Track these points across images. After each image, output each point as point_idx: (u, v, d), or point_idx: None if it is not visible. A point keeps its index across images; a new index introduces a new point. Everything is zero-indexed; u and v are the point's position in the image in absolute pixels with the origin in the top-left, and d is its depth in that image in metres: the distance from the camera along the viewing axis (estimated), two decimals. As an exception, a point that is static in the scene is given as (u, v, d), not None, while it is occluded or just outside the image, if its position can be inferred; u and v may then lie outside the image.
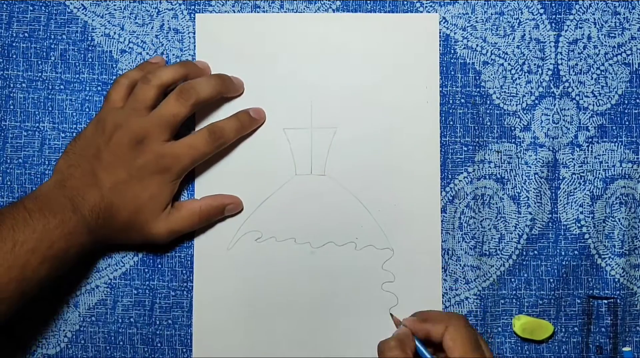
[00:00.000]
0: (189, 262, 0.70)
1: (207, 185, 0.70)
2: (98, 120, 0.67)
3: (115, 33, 0.72)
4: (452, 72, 0.71)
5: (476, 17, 0.71)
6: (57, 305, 0.70)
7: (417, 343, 0.64)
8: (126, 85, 0.68)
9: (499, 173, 0.71)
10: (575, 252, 0.70)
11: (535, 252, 0.70)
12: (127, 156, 0.65)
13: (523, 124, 0.71)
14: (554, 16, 0.71)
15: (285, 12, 0.72)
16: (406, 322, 0.66)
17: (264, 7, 0.72)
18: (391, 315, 0.69)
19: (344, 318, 0.70)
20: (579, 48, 0.71)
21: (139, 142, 0.65)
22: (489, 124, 0.71)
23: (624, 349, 0.69)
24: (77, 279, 0.70)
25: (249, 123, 0.70)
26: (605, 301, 0.70)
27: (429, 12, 0.72)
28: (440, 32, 0.71)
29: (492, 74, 0.71)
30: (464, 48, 0.71)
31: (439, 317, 0.65)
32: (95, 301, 0.70)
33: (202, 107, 0.69)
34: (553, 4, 0.71)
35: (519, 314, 0.70)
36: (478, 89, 0.71)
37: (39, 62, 0.71)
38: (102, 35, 0.72)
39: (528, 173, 0.70)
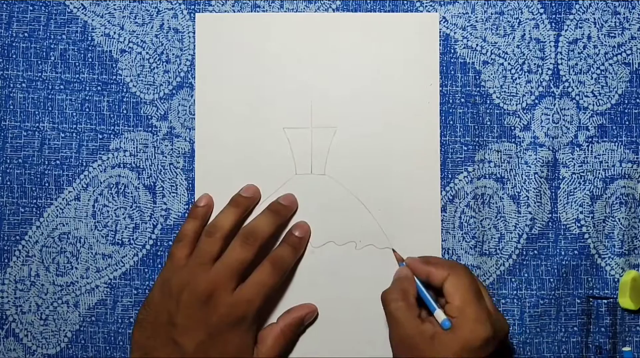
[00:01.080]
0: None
1: (207, 185, 0.70)
2: (163, 282, 0.66)
3: (115, 33, 0.72)
4: (452, 72, 0.71)
5: (476, 17, 0.71)
6: (57, 305, 0.70)
7: (418, 285, 0.64)
8: (189, 241, 0.67)
9: (499, 173, 0.71)
10: (575, 252, 0.70)
11: (535, 251, 0.70)
12: (201, 315, 0.64)
13: (523, 124, 0.71)
14: (554, 16, 0.71)
15: (285, 11, 0.72)
16: (408, 261, 0.66)
17: (264, 7, 0.72)
18: (393, 250, 0.69)
19: (344, 317, 0.70)
20: (579, 48, 0.71)
21: (209, 297, 0.64)
22: (489, 123, 0.71)
23: (624, 349, 0.69)
24: (77, 279, 0.70)
25: (299, 243, 0.70)
26: (605, 301, 0.70)
27: (429, 11, 0.72)
28: (440, 32, 0.71)
29: (492, 74, 0.71)
30: (464, 48, 0.71)
31: (442, 262, 0.65)
32: (95, 301, 0.70)
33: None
34: (553, 4, 0.71)
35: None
36: (478, 89, 0.71)
37: (39, 62, 0.71)
38: (102, 35, 0.72)
39: (528, 173, 0.70)
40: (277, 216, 0.69)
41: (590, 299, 0.70)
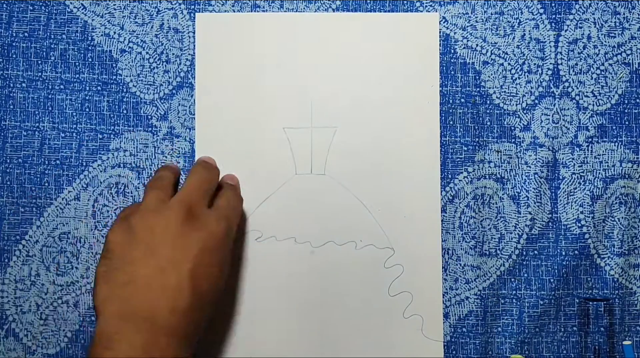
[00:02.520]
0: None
1: (207, 185, 0.70)
2: (117, 229, 0.61)
3: (115, 33, 0.72)
4: (452, 72, 0.71)
5: (476, 17, 0.71)
6: (57, 305, 0.70)
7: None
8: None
9: (499, 173, 0.71)
10: (576, 252, 0.70)
11: (535, 251, 0.70)
12: (183, 233, 0.60)
13: (523, 124, 0.71)
14: (554, 16, 0.71)
15: (285, 11, 0.72)
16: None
17: (264, 7, 0.72)
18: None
19: (344, 317, 0.70)
20: (579, 48, 0.71)
21: (190, 216, 0.61)
22: (489, 123, 0.71)
23: (624, 343, 0.69)
24: (77, 279, 0.70)
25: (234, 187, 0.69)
26: (602, 303, 0.70)
27: (429, 11, 0.72)
28: (440, 32, 0.71)
29: (492, 74, 0.71)
30: (464, 48, 0.71)
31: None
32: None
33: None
34: (553, 4, 0.71)
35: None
36: (478, 89, 0.71)
37: (39, 62, 0.71)
38: (102, 35, 0.72)
39: (528, 173, 0.71)
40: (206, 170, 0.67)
41: (587, 302, 0.70)
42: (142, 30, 0.72)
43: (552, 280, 0.70)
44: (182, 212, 0.60)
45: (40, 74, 0.71)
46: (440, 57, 0.71)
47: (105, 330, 0.56)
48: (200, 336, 0.60)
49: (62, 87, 0.71)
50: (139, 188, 0.71)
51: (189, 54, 0.71)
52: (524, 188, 0.71)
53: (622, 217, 0.70)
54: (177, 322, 0.57)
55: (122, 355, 0.55)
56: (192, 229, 0.60)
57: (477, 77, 0.71)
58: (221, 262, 0.61)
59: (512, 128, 0.71)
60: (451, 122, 0.71)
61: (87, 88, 0.71)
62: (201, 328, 0.60)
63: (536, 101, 0.71)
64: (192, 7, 0.72)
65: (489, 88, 0.71)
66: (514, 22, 0.71)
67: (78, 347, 0.70)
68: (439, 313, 0.70)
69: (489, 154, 0.71)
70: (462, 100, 0.71)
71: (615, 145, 0.71)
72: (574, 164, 0.71)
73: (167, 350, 0.56)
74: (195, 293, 0.58)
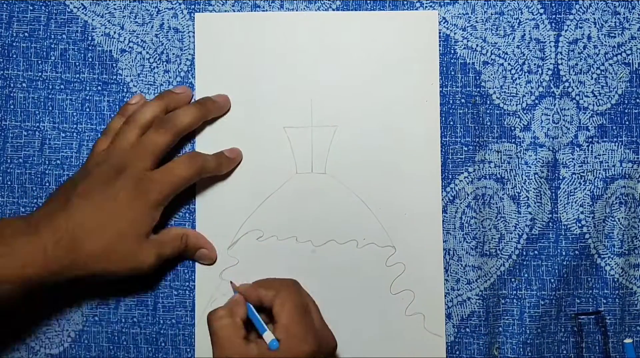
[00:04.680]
0: (190, 262, 0.70)
1: (208, 185, 0.70)
2: (80, 169, 0.68)
3: (115, 32, 0.72)
4: (452, 72, 0.71)
5: (476, 17, 0.71)
6: (60, 305, 0.70)
7: (249, 307, 0.64)
8: (110, 135, 0.68)
9: (499, 173, 0.71)
10: (576, 252, 0.70)
11: (536, 252, 0.71)
12: (106, 183, 0.64)
13: (523, 124, 0.71)
14: (554, 16, 0.71)
15: (285, 11, 0.72)
16: (240, 287, 0.66)
17: (264, 7, 0.72)
18: (231, 282, 0.68)
19: (346, 316, 0.70)
20: (579, 48, 0.71)
21: (120, 171, 0.65)
22: (489, 124, 0.71)
23: (625, 341, 0.69)
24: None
25: (227, 161, 0.70)
26: (593, 317, 0.70)
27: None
28: (440, 32, 0.71)
29: (492, 74, 0.71)
30: (464, 48, 0.71)
31: (272, 283, 0.65)
32: (98, 300, 0.70)
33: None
34: (553, 4, 0.71)
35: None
36: (478, 89, 0.71)
37: (39, 62, 0.71)
38: (102, 34, 0.71)
39: (528, 173, 0.71)
40: (203, 109, 0.69)
41: (578, 317, 0.70)
42: (142, 30, 0.72)
43: (552, 280, 0.70)
44: (117, 169, 0.65)
45: (40, 74, 0.71)
46: (440, 58, 0.71)
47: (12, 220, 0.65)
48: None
49: (62, 87, 0.71)
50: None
51: (189, 54, 0.71)
52: (524, 189, 0.71)
53: (622, 217, 0.71)
54: (50, 235, 0.62)
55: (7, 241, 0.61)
56: (117, 180, 0.65)
57: (477, 78, 0.71)
58: (125, 212, 0.64)
59: (512, 128, 0.71)
60: (451, 123, 0.71)
61: (88, 88, 0.71)
62: (74, 265, 0.63)
63: (536, 101, 0.71)
64: (192, 7, 0.72)
65: (489, 88, 0.71)
66: (514, 22, 0.71)
67: (81, 346, 0.70)
68: (441, 311, 0.70)
69: (489, 154, 0.71)
70: (463, 100, 0.71)
71: (615, 145, 0.71)
72: (574, 164, 0.71)
73: (24, 249, 0.61)
74: (77, 226, 0.62)
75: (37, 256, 0.61)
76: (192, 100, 0.70)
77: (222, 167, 0.69)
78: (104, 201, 0.64)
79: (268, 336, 0.62)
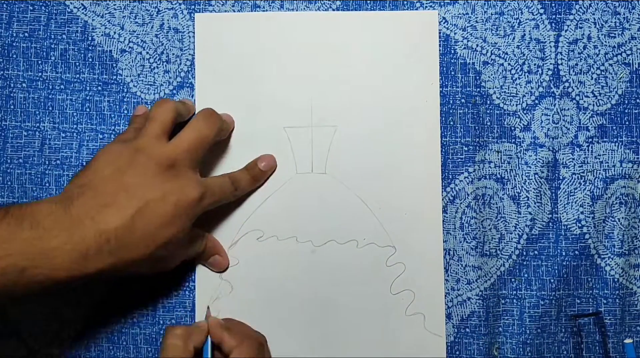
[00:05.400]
0: (190, 262, 0.70)
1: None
2: (108, 148, 0.63)
3: (115, 33, 0.72)
4: (452, 72, 0.71)
5: (476, 17, 0.71)
6: (60, 305, 0.70)
7: (207, 341, 0.64)
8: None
9: (499, 173, 0.71)
10: (576, 252, 0.71)
11: (536, 252, 0.71)
12: (154, 176, 0.61)
13: (523, 124, 0.71)
14: (554, 16, 0.71)
15: (285, 11, 0.72)
16: (210, 320, 0.65)
17: (264, 7, 0.72)
18: (207, 307, 0.69)
19: (346, 316, 0.70)
20: (579, 48, 0.71)
21: (170, 166, 0.62)
22: (489, 124, 0.71)
23: (625, 341, 0.69)
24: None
25: (261, 175, 0.70)
26: (590, 318, 0.70)
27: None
28: (440, 32, 0.71)
29: (492, 74, 0.71)
30: (464, 48, 0.71)
31: (239, 331, 0.65)
32: (98, 300, 0.70)
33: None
34: (553, 4, 0.71)
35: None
36: (478, 89, 0.71)
37: (39, 62, 0.71)
38: (102, 35, 0.71)
39: (528, 173, 0.71)
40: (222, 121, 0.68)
41: (577, 319, 0.70)
42: (142, 30, 0.72)
43: (552, 281, 0.70)
44: (165, 162, 0.61)
45: (40, 74, 0.71)
46: (440, 58, 0.71)
47: (42, 203, 0.58)
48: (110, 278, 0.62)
49: (62, 87, 0.71)
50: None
51: (189, 54, 0.71)
52: (524, 189, 0.71)
53: (623, 217, 0.71)
54: (92, 236, 0.58)
55: (41, 233, 0.56)
56: (165, 180, 0.61)
57: (477, 78, 0.71)
58: (171, 219, 0.61)
59: (512, 128, 0.71)
60: (452, 123, 0.71)
61: (88, 88, 0.71)
62: (113, 267, 0.59)
63: (536, 101, 0.71)
64: (192, 7, 0.72)
65: (489, 88, 0.71)
66: (514, 22, 0.71)
67: (81, 347, 0.70)
68: (441, 311, 0.70)
69: (489, 154, 0.71)
70: (463, 100, 0.71)
71: (615, 146, 0.71)
72: (574, 164, 0.71)
73: (60, 249, 0.57)
74: (126, 227, 0.59)
75: (75, 260, 0.57)
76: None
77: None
78: (150, 198, 0.60)
79: None
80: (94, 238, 0.57)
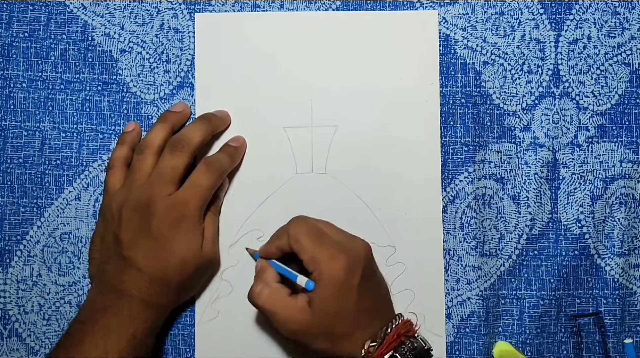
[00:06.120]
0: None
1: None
2: (104, 211, 0.68)
3: (115, 33, 0.72)
4: (453, 72, 0.71)
5: (476, 17, 0.71)
6: (59, 305, 0.70)
7: (274, 264, 0.65)
8: (120, 166, 0.68)
9: (499, 173, 0.71)
10: (576, 252, 0.71)
11: (536, 252, 0.71)
12: (142, 224, 0.65)
13: (523, 124, 0.71)
14: (554, 16, 0.71)
15: (285, 11, 0.72)
16: (259, 251, 0.67)
17: (264, 7, 0.72)
18: (246, 249, 0.70)
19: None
20: (579, 48, 0.71)
21: (147, 206, 0.65)
22: (489, 124, 0.71)
23: (625, 341, 0.69)
24: (79, 279, 0.70)
25: (235, 151, 0.70)
26: (590, 318, 0.70)
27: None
28: (440, 32, 0.71)
29: (492, 74, 0.71)
30: (464, 48, 0.71)
31: (281, 230, 0.66)
32: (98, 301, 0.70)
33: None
34: (553, 4, 0.71)
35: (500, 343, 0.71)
36: (478, 89, 0.71)
37: (39, 62, 0.71)
38: (102, 34, 0.71)
39: (528, 173, 0.71)
40: (208, 124, 0.69)
41: (577, 319, 0.70)
42: (142, 30, 0.72)
43: (552, 280, 0.70)
44: (175, 217, 0.65)
45: (40, 74, 0.71)
46: (440, 58, 0.71)
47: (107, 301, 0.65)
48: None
49: (62, 87, 0.71)
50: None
51: (189, 54, 0.71)
52: (524, 189, 0.71)
53: (622, 217, 0.71)
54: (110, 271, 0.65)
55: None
56: (174, 234, 0.65)
57: (477, 78, 0.71)
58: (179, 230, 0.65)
59: (512, 128, 0.71)
60: (452, 123, 0.71)
61: (88, 88, 0.71)
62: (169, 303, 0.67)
63: (536, 101, 0.71)
64: (192, 7, 0.72)
65: (489, 88, 0.71)
66: (514, 22, 0.71)
67: (81, 347, 0.70)
68: (441, 311, 0.70)
69: (489, 154, 0.71)
70: (463, 100, 0.71)
71: (615, 146, 0.71)
72: (574, 164, 0.71)
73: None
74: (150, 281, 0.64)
75: (135, 311, 0.63)
76: (192, 115, 0.71)
77: (235, 159, 0.70)
78: (154, 244, 0.64)
79: (301, 280, 0.62)
80: (138, 292, 0.64)
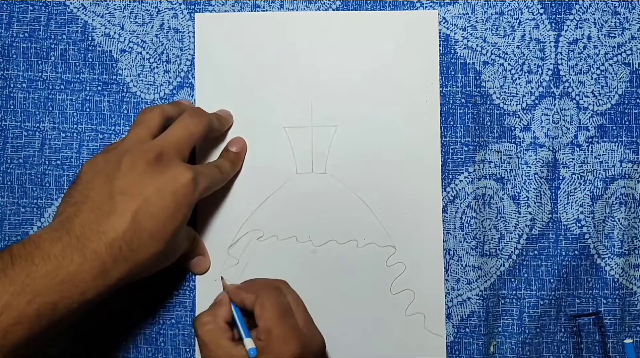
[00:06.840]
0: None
1: (208, 185, 0.70)
2: (92, 159, 0.62)
3: (115, 33, 0.72)
4: (453, 72, 0.71)
5: (476, 17, 0.71)
6: (59, 306, 0.70)
7: (233, 310, 0.64)
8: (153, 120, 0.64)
9: (499, 173, 0.71)
10: (576, 252, 0.71)
11: (536, 252, 0.71)
12: (145, 172, 0.59)
13: (523, 124, 0.71)
14: (554, 16, 0.71)
15: (285, 11, 0.72)
16: (228, 288, 0.65)
17: (264, 7, 0.72)
18: (222, 278, 0.69)
19: (346, 316, 0.70)
20: (579, 48, 0.71)
21: (158, 159, 0.60)
22: (489, 124, 0.71)
23: (625, 341, 0.69)
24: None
25: (236, 157, 0.70)
26: (590, 318, 0.70)
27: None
28: (440, 32, 0.71)
29: (492, 74, 0.71)
30: (464, 48, 0.71)
31: (255, 285, 0.64)
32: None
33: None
34: (553, 4, 0.71)
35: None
36: (478, 89, 0.71)
37: (39, 62, 0.71)
38: (102, 35, 0.72)
39: (528, 173, 0.71)
40: (208, 123, 0.66)
41: (576, 319, 0.70)
42: (142, 30, 0.72)
43: (552, 281, 0.70)
44: (152, 156, 0.60)
45: (40, 74, 0.71)
46: (440, 58, 0.71)
47: (42, 234, 0.57)
48: (124, 283, 0.59)
49: (62, 87, 0.71)
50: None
51: (189, 54, 0.71)
52: (524, 189, 0.71)
53: (622, 217, 0.71)
54: (104, 248, 0.57)
55: (56, 263, 0.55)
56: (156, 174, 0.59)
57: (478, 78, 0.71)
58: (174, 210, 0.60)
59: (512, 128, 0.71)
60: (452, 123, 0.71)
61: (88, 88, 0.71)
62: (130, 272, 0.59)
63: (536, 101, 0.71)
64: (192, 7, 0.72)
65: (489, 88, 0.71)
66: (514, 22, 0.71)
67: (81, 347, 0.70)
68: (441, 311, 0.70)
69: (489, 154, 0.71)
70: (463, 100, 0.71)
71: (615, 146, 0.71)
72: (574, 164, 0.71)
73: (81, 271, 0.56)
74: (132, 229, 0.57)
75: (97, 276, 0.56)
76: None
77: (236, 164, 0.69)
78: (148, 194, 0.59)
79: (248, 343, 0.61)
80: (106, 250, 0.57)
